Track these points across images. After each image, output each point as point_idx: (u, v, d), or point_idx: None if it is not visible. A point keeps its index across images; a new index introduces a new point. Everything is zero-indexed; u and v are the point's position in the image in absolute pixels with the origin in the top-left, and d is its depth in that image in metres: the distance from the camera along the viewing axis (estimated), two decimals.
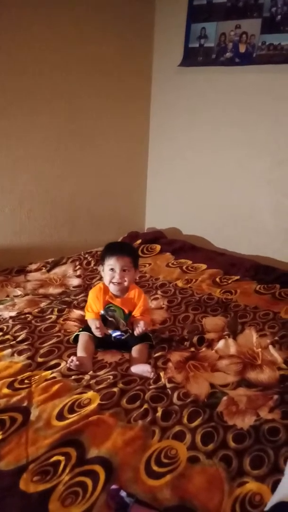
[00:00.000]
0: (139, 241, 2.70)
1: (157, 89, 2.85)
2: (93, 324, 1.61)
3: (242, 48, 2.40)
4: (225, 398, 1.38)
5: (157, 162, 2.98)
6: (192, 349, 1.66)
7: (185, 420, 1.26)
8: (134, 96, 2.80)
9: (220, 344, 1.70)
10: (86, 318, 1.70)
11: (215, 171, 2.69)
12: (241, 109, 2.49)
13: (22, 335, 1.66)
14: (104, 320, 1.66)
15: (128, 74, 2.71)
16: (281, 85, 2.30)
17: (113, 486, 1.01)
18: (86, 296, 2.02)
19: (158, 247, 2.67)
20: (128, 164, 2.92)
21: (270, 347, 1.70)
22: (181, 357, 1.59)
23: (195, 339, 1.72)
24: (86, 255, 2.51)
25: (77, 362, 1.46)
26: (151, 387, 1.40)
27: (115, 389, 1.37)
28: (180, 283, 2.27)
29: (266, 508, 0.81)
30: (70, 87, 2.47)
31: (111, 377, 1.44)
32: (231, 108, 2.53)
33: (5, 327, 1.71)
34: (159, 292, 2.16)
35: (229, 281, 2.32)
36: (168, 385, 1.42)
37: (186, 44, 2.63)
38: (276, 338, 1.77)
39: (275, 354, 1.64)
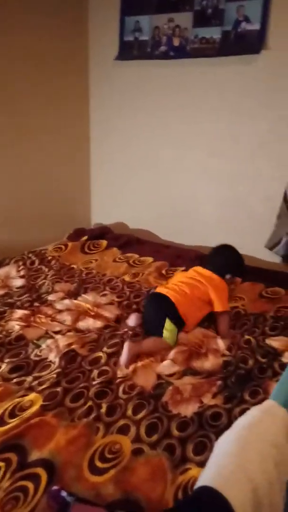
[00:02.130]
0: (85, 238, 2.67)
1: (95, 83, 2.82)
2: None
3: (175, 42, 2.42)
4: (170, 388, 1.39)
5: (99, 157, 2.96)
6: None
7: (129, 413, 1.27)
8: (71, 91, 2.76)
9: None
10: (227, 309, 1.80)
11: (156, 164, 2.71)
12: (178, 101, 2.51)
13: None
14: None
15: (64, 68, 2.66)
16: (214, 78, 2.35)
17: (54, 487, 0.99)
18: (30, 296, 1.99)
19: (104, 243, 2.66)
20: (70, 160, 2.87)
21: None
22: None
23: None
24: (30, 255, 2.45)
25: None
26: (95, 382, 1.39)
27: (59, 389, 1.34)
28: (127, 278, 2.27)
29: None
30: (5, 83, 2.38)
31: (54, 375, 1.41)
32: (168, 100, 2.55)
33: None
34: (107, 288, 2.14)
35: (175, 273, 2.35)
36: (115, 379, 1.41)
37: (121, 37, 2.61)
38: None
39: (219, 342, 1.67)
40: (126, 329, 1.72)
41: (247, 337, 1.70)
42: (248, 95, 2.27)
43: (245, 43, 2.19)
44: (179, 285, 1.82)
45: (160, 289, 1.84)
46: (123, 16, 2.58)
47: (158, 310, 1.74)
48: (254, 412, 0.70)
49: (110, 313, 1.86)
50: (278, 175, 2.25)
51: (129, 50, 2.61)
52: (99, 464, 1.09)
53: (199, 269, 1.91)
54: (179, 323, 1.71)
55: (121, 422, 1.23)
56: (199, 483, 0.59)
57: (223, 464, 0.59)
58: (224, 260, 1.93)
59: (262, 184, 2.35)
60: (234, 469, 0.58)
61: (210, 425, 1.22)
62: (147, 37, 2.52)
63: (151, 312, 1.77)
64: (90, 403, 1.30)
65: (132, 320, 1.78)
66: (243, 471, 0.58)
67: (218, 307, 1.79)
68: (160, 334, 1.63)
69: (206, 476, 0.59)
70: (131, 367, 1.48)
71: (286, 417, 0.70)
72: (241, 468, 0.58)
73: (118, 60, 2.64)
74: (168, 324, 1.64)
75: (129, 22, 2.57)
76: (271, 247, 2.33)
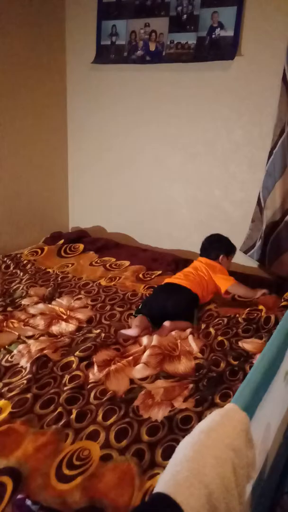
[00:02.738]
0: (61, 241, 2.65)
1: (72, 87, 2.81)
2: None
3: (152, 47, 2.43)
4: (142, 392, 1.38)
5: (77, 160, 2.95)
6: (118, 346, 1.66)
7: (100, 419, 1.26)
8: (49, 94, 2.74)
9: (144, 339, 1.72)
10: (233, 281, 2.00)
11: (133, 167, 2.72)
12: (154, 106, 2.53)
13: None
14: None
15: (41, 71, 2.64)
16: (190, 83, 2.37)
17: (19, 496, 0.97)
18: (4, 301, 1.96)
19: (81, 246, 2.64)
20: (48, 163, 2.85)
21: (190, 337, 1.74)
22: (107, 355, 1.58)
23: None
24: (5, 259, 2.41)
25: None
26: (66, 388, 1.38)
27: (28, 395, 1.32)
28: (103, 282, 2.26)
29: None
30: None
31: (25, 381, 1.39)
32: (145, 105, 2.56)
33: None
34: (82, 292, 2.13)
35: (152, 276, 2.35)
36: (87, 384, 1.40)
37: (98, 41, 2.62)
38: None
39: (193, 344, 1.68)
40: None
41: (220, 338, 1.71)
42: (223, 100, 2.30)
43: (220, 49, 2.21)
44: (185, 272, 2.05)
45: (169, 280, 2.03)
46: (100, 20, 2.59)
47: (181, 299, 1.91)
48: (214, 416, 0.70)
49: (83, 314, 1.85)
50: (252, 179, 2.29)
51: (106, 54, 2.61)
52: (66, 471, 1.08)
53: (199, 258, 2.15)
54: (196, 300, 1.94)
55: (91, 428, 1.22)
56: (155, 489, 0.58)
57: (178, 469, 0.59)
58: (213, 245, 2.14)
59: (237, 188, 2.38)
60: (189, 475, 0.58)
61: (180, 429, 1.23)
62: (123, 41, 2.53)
63: (173, 300, 1.90)
64: (60, 409, 1.28)
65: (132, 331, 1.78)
66: (197, 476, 0.58)
67: (222, 285, 2.01)
68: (172, 318, 1.81)
69: (161, 482, 0.58)
70: (104, 371, 1.47)
71: (246, 421, 0.70)
72: (195, 473, 0.58)
73: (95, 63, 2.64)
74: (195, 315, 1.90)
75: (106, 26, 2.58)
76: (246, 250, 2.36)
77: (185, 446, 0.65)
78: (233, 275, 2.26)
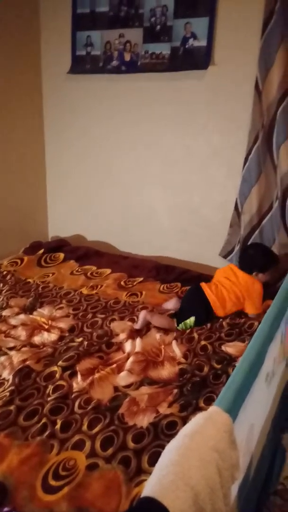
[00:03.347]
0: (41, 251, 2.64)
1: (49, 96, 2.81)
2: None
3: (127, 57, 2.46)
4: (127, 399, 1.39)
5: (55, 169, 2.95)
6: (101, 354, 1.65)
7: (85, 428, 1.26)
8: (25, 104, 2.73)
9: (127, 345, 1.72)
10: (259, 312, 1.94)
11: (112, 175, 2.73)
12: (131, 114, 2.55)
13: None
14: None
15: (17, 81, 2.63)
16: (165, 92, 2.41)
17: (5, 509, 0.96)
18: None
19: (61, 256, 2.63)
20: (26, 173, 2.84)
21: (174, 342, 1.75)
22: (91, 364, 1.58)
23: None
24: None
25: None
26: (50, 398, 1.37)
27: (11, 407, 1.31)
28: (85, 290, 2.26)
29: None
30: None
31: (7, 394, 1.38)
32: (122, 114, 2.58)
33: None
34: (63, 301, 2.12)
35: (134, 283, 2.36)
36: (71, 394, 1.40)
37: (73, 51, 2.63)
38: (179, 333, 1.83)
39: (176, 350, 1.69)
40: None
41: (203, 342, 1.73)
42: (199, 108, 2.34)
43: (193, 59, 2.26)
44: (219, 286, 1.98)
45: (203, 285, 2.00)
46: (75, 31, 2.60)
47: (193, 302, 1.96)
48: (197, 420, 0.71)
49: (65, 324, 1.85)
50: (230, 184, 2.33)
51: (81, 64, 2.63)
52: (52, 482, 1.07)
53: (234, 267, 2.05)
54: (208, 317, 1.92)
55: (76, 437, 1.22)
56: (142, 494, 0.59)
57: (164, 473, 0.60)
58: (249, 258, 2.06)
59: (215, 193, 2.42)
60: (174, 478, 0.59)
61: (166, 435, 1.23)
62: (99, 52, 2.55)
63: (187, 302, 1.99)
64: (44, 420, 1.28)
65: (170, 303, 2.04)
66: (183, 479, 0.59)
67: (249, 310, 1.96)
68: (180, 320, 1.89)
69: (148, 487, 0.59)
70: (88, 380, 1.47)
71: (229, 422, 0.72)
72: (181, 476, 0.59)
73: (71, 73, 2.65)
74: (190, 320, 1.88)
75: (80, 37, 2.60)
76: (225, 255, 2.39)
77: (170, 450, 0.66)
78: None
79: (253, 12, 2.06)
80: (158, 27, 2.34)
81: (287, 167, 2.08)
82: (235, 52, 2.17)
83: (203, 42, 2.22)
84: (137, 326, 1.86)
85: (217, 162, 2.37)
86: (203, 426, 0.68)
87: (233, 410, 0.80)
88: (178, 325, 1.89)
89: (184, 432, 0.68)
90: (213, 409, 0.74)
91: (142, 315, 1.89)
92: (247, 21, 2.10)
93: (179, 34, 2.28)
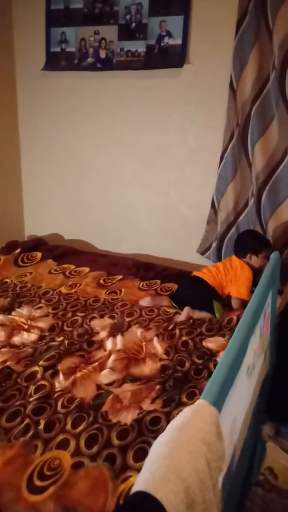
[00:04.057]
0: (18, 250, 2.60)
1: (23, 94, 2.77)
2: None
3: (102, 54, 2.45)
4: (110, 397, 1.39)
5: (31, 167, 2.91)
6: (82, 352, 1.65)
7: (69, 427, 1.25)
8: None
9: (108, 343, 1.72)
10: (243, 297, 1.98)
11: (89, 173, 2.72)
12: (108, 112, 2.55)
13: None
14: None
15: None
16: (141, 90, 2.41)
17: None
18: None
19: (39, 255, 2.60)
20: (0, 172, 2.79)
21: (155, 339, 1.76)
22: (72, 363, 1.57)
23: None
24: None
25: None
26: (32, 399, 1.35)
27: None
28: (64, 289, 2.24)
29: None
30: None
31: None
32: (98, 111, 2.57)
33: None
34: (42, 301, 2.10)
35: (113, 281, 2.36)
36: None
37: (48, 48, 2.60)
38: (161, 330, 1.84)
39: (157, 346, 1.70)
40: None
41: (184, 338, 1.75)
42: (174, 106, 2.36)
43: (169, 57, 2.27)
44: (212, 266, 2.11)
45: (197, 273, 2.10)
46: (49, 27, 2.57)
47: (200, 290, 2.02)
48: (185, 413, 0.72)
49: (44, 323, 1.83)
50: (206, 182, 2.36)
51: (56, 61, 2.60)
52: (38, 482, 1.06)
53: (232, 257, 2.13)
54: (218, 296, 2.01)
55: (60, 437, 1.21)
56: (134, 488, 0.60)
57: (155, 467, 0.61)
58: (239, 243, 2.12)
59: (192, 191, 2.44)
60: (166, 471, 0.59)
61: (150, 430, 1.24)
62: (73, 49, 2.53)
63: (194, 291, 2.04)
64: (27, 420, 1.26)
65: (145, 301, 2.07)
66: (174, 472, 0.60)
67: (232, 292, 2.03)
68: (201, 308, 1.95)
69: (140, 481, 0.60)
70: (70, 379, 1.46)
71: (215, 415, 0.73)
72: (172, 469, 0.60)
73: (46, 70, 2.62)
74: (216, 306, 1.95)
75: (55, 33, 2.57)
76: (202, 252, 2.42)
77: (160, 444, 0.66)
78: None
79: (228, 12, 2.09)
80: (133, 24, 2.34)
81: (262, 165, 2.12)
82: (210, 51, 2.19)
83: (178, 41, 2.23)
84: (181, 318, 1.92)
85: (193, 160, 2.40)
86: (191, 419, 0.69)
87: (219, 402, 0.82)
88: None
89: (173, 425, 0.69)
90: (200, 402, 0.75)
91: (149, 299, 2.06)
92: (221, 20, 2.13)
93: (154, 32, 2.29)
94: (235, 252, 2.11)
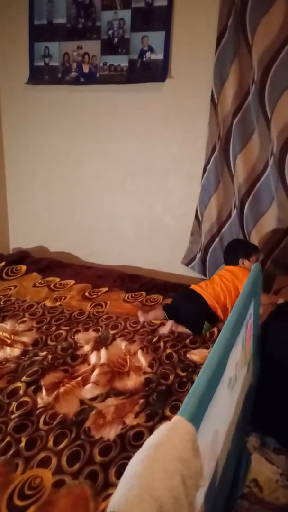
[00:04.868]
0: (2, 263, 2.58)
1: (7, 107, 2.78)
2: None
3: (85, 68, 2.48)
4: (93, 412, 1.38)
5: (15, 180, 2.90)
6: (66, 367, 1.63)
7: (50, 444, 1.23)
8: None
9: (92, 357, 1.71)
10: None
11: (73, 186, 2.73)
12: (91, 125, 2.57)
13: None
14: None
15: None
16: (124, 103, 2.44)
17: None
18: None
19: (24, 268, 2.59)
20: None
21: (139, 352, 1.76)
22: (56, 377, 1.56)
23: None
24: None
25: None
26: (14, 416, 1.34)
27: None
28: (48, 303, 2.23)
29: None
30: None
31: None
32: (82, 124, 2.59)
33: None
34: (26, 315, 2.09)
35: (99, 294, 2.35)
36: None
37: (31, 62, 2.62)
38: (145, 343, 1.84)
39: (141, 359, 1.70)
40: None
41: (169, 351, 1.75)
42: (157, 119, 2.38)
43: (151, 71, 2.30)
44: (210, 280, 2.07)
45: (196, 288, 2.05)
46: (32, 41, 2.59)
47: (195, 309, 1.99)
48: (161, 430, 0.72)
49: (28, 338, 1.82)
50: (189, 194, 2.38)
51: (40, 75, 2.62)
52: (18, 502, 1.05)
53: (226, 267, 2.12)
54: (212, 317, 1.97)
55: (42, 454, 1.20)
56: (108, 508, 0.59)
57: (129, 486, 0.60)
58: (229, 252, 2.13)
59: (176, 203, 2.46)
60: (139, 491, 0.59)
61: (133, 446, 1.23)
62: (57, 63, 2.55)
63: (188, 307, 2.01)
64: (8, 438, 1.24)
65: (143, 316, 2.04)
66: (147, 491, 0.60)
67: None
68: (190, 324, 1.93)
69: (114, 501, 0.60)
70: (53, 395, 1.45)
71: (192, 431, 0.73)
72: (145, 488, 0.60)
73: (29, 84, 2.63)
74: (206, 327, 1.93)
75: (38, 48, 2.59)
76: (187, 263, 2.43)
77: (135, 463, 0.66)
78: (176, 287, 2.33)
79: (208, 27, 2.13)
80: (116, 39, 2.37)
81: (244, 177, 2.15)
82: (191, 65, 2.23)
83: (160, 56, 2.27)
84: (164, 330, 1.91)
85: (177, 172, 2.42)
86: (166, 437, 0.69)
87: (196, 418, 0.82)
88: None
89: (149, 443, 0.69)
90: (176, 418, 0.75)
91: (143, 318, 2.01)
92: (202, 35, 2.17)
93: (137, 47, 2.32)
94: (226, 262, 2.11)
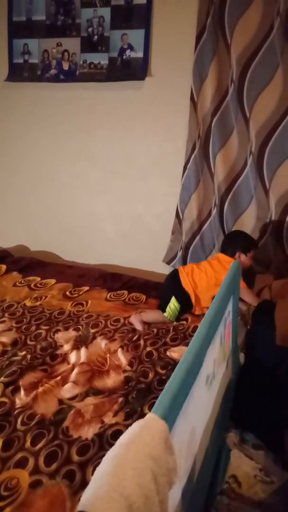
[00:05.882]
0: None
1: None
2: None
3: (65, 66, 2.46)
4: (72, 411, 1.37)
5: None
6: (45, 366, 1.62)
7: (28, 445, 1.22)
8: None
9: (72, 356, 1.70)
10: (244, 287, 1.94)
11: (54, 184, 2.71)
12: (71, 123, 2.55)
13: None
14: None
15: None
16: (104, 101, 2.43)
17: None
18: None
19: (3, 267, 2.56)
20: None
21: (119, 350, 1.75)
22: (35, 377, 1.54)
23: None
24: None
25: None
26: None
27: None
28: (28, 303, 2.20)
29: None
30: None
31: None
32: (62, 122, 2.57)
33: None
34: (6, 315, 2.06)
35: (80, 293, 2.34)
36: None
37: (10, 59, 2.59)
38: (125, 341, 1.83)
39: (121, 358, 1.69)
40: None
41: (149, 348, 1.75)
42: (137, 118, 2.38)
43: (131, 69, 2.30)
44: (195, 269, 2.02)
45: (179, 269, 2.04)
46: (11, 38, 2.56)
47: (169, 287, 2.01)
48: (133, 428, 0.72)
49: (7, 338, 1.80)
50: (170, 192, 2.38)
51: (19, 72, 2.59)
52: None
53: (219, 255, 2.08)
54: (187, 303, 1.95)
55: (19, 455, 1.19)
56: (78, 507, 0.59)
57: (99, 485, 0.60)
58: (229, 241, 2.10)
59: (157, 202, 2.47)
60: (109, 489, 0.59)
61: (111, 444, 1.22)
62: (36, 60, 2.53)
63: (164, 288, 2.04)
64: None
65: (138, 324, 1.94)
66: (117, 489, 0.59)
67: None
68: (164, 308, 1.93)
69: (83, 500, 0.59)
70: (32, 395, 1.43)
71: (164, 429, 0.73)
72: (115, 486, 0.60)
73: (8, 81, 2.60)
74: (172, 302, 1.92)
75: (17, 45, 2.56)
76: (168, 261, 2.44)
77: (106, 461, 0.66)
78: (158, 286, 2.34)
79: (187, 26, 2.13)
80: (96, 37, 2.36)
81: (224, 175, 2.16)
82: (171, 64, 2.23)
83: (139, 54, 2.27)
84: (141, 329, 1.90)
85: (157, 171, 2.42)
86: (138, 434, 0.69)
87: (170, 415, 0.82)
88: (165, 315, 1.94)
89: (120, 441, 0.69)
90: (149, 416, 0.75)
91: (135, 320, 1.93)
92: (181, 34, 2.17)
93: (116, 44, 2.31)
94: (223, 250, 2.08)
